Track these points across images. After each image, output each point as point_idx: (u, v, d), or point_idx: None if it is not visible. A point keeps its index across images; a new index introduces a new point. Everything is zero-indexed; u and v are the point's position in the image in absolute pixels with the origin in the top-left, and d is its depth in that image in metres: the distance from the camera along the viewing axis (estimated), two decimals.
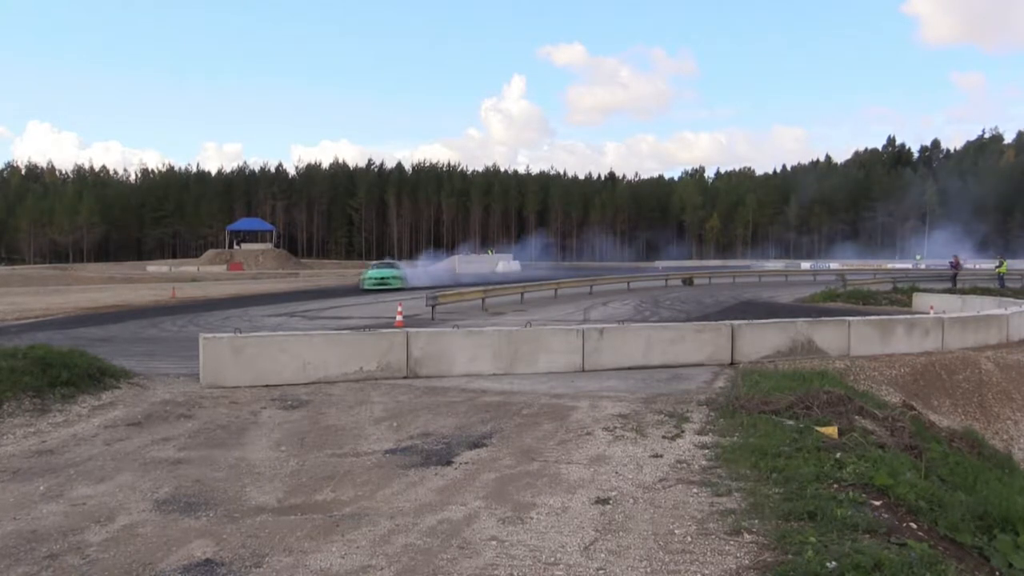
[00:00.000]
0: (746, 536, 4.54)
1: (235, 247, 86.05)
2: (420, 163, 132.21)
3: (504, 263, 67.00)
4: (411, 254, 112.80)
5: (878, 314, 17.17)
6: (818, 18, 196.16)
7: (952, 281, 31.72)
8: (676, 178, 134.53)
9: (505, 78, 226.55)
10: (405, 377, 10.28)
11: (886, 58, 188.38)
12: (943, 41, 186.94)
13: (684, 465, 6.19)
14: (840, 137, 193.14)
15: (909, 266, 58.60)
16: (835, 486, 5.37)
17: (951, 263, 34.35)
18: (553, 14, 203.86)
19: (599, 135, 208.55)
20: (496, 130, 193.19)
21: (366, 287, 33.30)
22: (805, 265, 63.47)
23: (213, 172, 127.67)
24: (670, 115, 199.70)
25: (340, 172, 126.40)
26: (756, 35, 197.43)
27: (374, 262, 41.65)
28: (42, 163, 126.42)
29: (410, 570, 4.17)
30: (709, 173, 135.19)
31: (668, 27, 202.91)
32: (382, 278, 33.92)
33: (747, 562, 4.18)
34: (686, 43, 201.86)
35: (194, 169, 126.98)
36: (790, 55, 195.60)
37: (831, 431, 6.91)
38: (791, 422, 7.18)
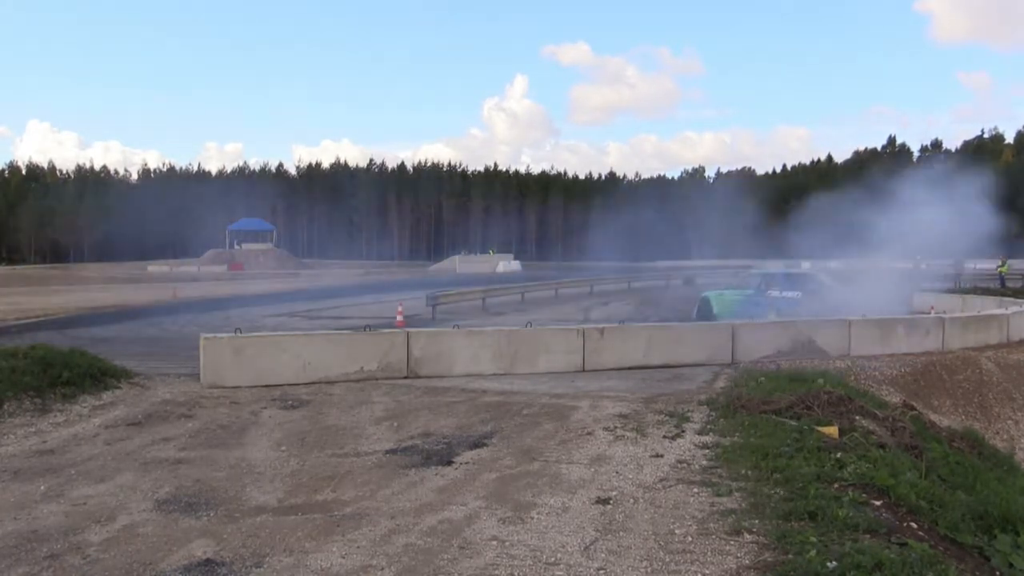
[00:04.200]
0: (747, 536, 4.54)
1: (235, 247, 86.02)
2: (421, 163, 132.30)
3: (504, 263, 67.04)
4: (412, 254, 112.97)
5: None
6: (827, 17, 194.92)
7: (954, 281, 31.72)
8: (676, 178, 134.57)
9: (508, 77, 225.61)
10: (405, 377, 10.28)
11: (894, 57, 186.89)
12: (954, 39, 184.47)
13: (685, 465, 6.19)
14: (844, 137, 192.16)
15: (910, 266, 58.54)
16: (836, 486, 5.37)
17: (955, 262, 34.28)
18: (557, 13, 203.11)
19: (604, 135, 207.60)
20: (500, 129, 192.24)
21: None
22: (806, 265, 63.45)
23: (214, 172, 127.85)
24: (675, 115, 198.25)
25: (341, 172, 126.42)
26: (762, 34, 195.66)
27: None
28: (42, 163, 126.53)
29: (411, 570, 4.17)
30: (710, 173, 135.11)
31: (674, 26, 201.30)
32: None
33: (747, 562, 4.18)
34: (691, 42, 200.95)
35: (195, 169, 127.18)
36: (797, 55, 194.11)
37: (832, 431, 6.91)
38: (792, 422, 7.18)
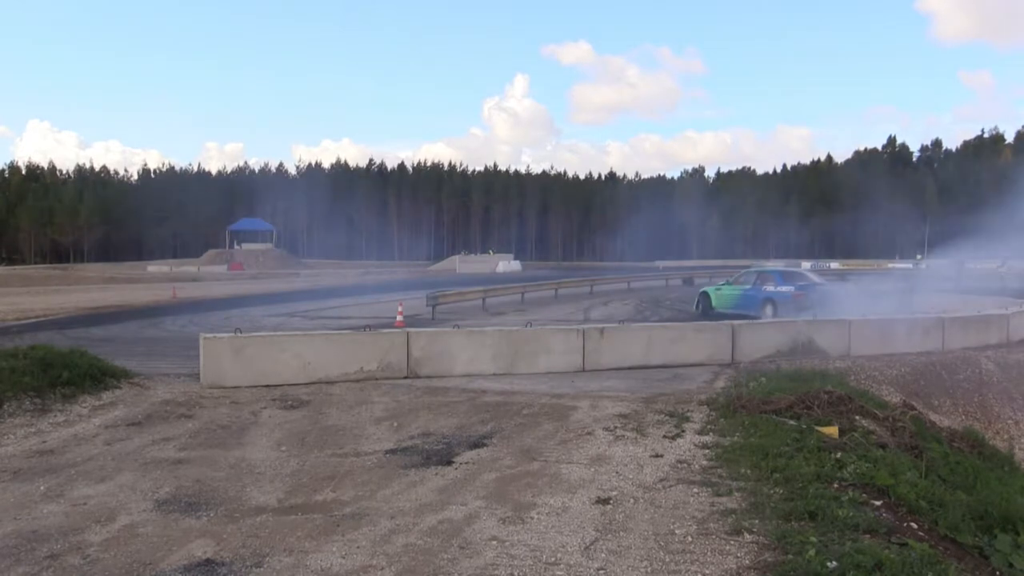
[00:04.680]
0: (747, 536, 4.54)
1: (235, 247, 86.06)
2: (421, 163, 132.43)
3: (504, 263, 67.14)
4: (411, 254, 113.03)
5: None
6: (827, 17, 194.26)
7: (954, 281, 31.71)
8: (676, 178, 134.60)
9: (508, 77, 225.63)
10: (405, 377, 10.28)
11: (894, 57, 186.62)
12: (957, 38, 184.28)
13: (685, 465, 6.19)
14: (845, 137, 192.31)
15: (910, 266, 58.58)
16: (836, 486, 5.37)
17: (954, 262, 34.30)
18: (558, 13, 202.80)
19: (605, 134, 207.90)
20: (501, 129, 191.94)
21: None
22: (806, 265, 63.46)
23: (214, 172, 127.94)
24: (676, 114, 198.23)
25: (341, 172, 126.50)
26: (763, 34, 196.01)
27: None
28: (42, 163, 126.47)
29: (410, 570, 4.17)
30: (710, 173, 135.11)
31: (675, 26, 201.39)
32: None
33: (748, 562, 4.18)
34: (693, 42, 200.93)
35: (195, 169, 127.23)
36: (797, 55, 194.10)
37: (832, 431, 6.91)
38: (792, 422, 7.18)
